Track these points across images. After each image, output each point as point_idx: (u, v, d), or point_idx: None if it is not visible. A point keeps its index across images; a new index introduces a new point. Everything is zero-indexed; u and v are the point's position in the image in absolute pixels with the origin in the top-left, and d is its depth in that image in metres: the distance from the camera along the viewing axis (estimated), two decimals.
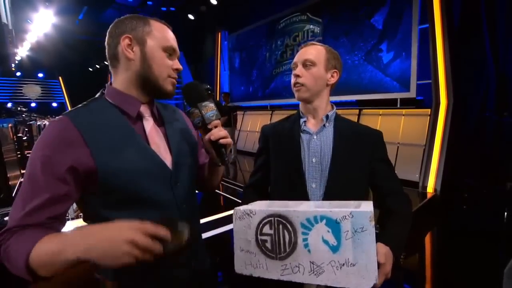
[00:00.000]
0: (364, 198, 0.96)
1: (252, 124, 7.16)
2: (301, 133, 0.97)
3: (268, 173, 1.03)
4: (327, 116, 0.96)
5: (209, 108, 0.77)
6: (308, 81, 0.93)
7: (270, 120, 6.68)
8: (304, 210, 0.61)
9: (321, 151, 0.94)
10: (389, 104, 4.43)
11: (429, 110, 3.89)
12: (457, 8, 3.83)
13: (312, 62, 0.93)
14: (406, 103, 4.27)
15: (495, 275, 1.16)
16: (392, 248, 0.74)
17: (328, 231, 0.59)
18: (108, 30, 0.74)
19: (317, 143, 0.95)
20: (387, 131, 4.27)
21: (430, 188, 3.59)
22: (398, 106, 4.34)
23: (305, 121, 0.99)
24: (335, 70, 0.97)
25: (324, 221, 0.59)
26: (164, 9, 8.32)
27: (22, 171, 2.98)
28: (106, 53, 0.74)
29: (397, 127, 4.17)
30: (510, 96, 3.53)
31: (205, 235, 0.94)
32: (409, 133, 4.02)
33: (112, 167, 0.66)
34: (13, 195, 2.07)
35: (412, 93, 4.17)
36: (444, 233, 2.88)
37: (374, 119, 4.46)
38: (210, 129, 0.77)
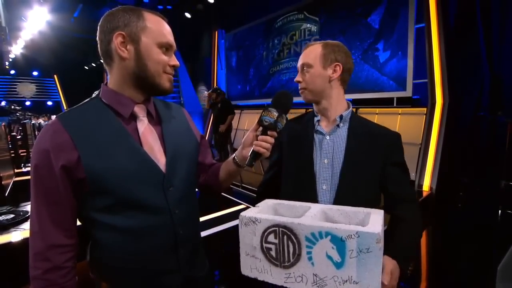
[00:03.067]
0: (377, 202, 0.92)
1: (249, 123, 7.15)
2: (314, 133, 0.95)
3: (280, 171, 1.00)
4: (341, 117, 0.93)
5: (283, 121, 0.81)
6: (307, 84, 0.93)
7: None
8: (309, 224, 0.60)
9: (333, 152, 0.91)
10: (386, 103, 4.45)
11: (425, 109, 3.92)
12: (452, 8, 3.85)
13: (308, 64, 0.93)
14: (402, 102, 4.28)
15: (490, 271, 1.16)
16: (400, 261, 0.72)
17: (333, 248, 0.58)
18: (99, 24, 0.69)
19: (329, 144, 0.92)
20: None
21: (426, 187, 3.62)
22: (395, 105, 4.35)
23: (318, 121, 0.96)
24: (337, 63, 0.92)
25: (329, 237, 0.58)
26: (160, 7, 8.26)
27: (16, 170, 2.94)
28: (99, 49, 0.71)
29: (393, 126, 4.18)
30: (504, 96, 3.56)
31: (202, 234, 0.93)
32: (405, 132, 4.02)
33: (100, 170, 0.64)
34: (6, 194, 2.04)
35: (408, 92, 4.19)
36: (440, 231, 2.90)
37: (370, 118, 4.41)
38: (266, 134, 0.78)
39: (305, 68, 0.93)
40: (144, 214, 0.69)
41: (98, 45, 0.71)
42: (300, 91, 0.97)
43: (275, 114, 0.79)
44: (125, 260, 0.70)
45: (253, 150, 0.78)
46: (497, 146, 3.47)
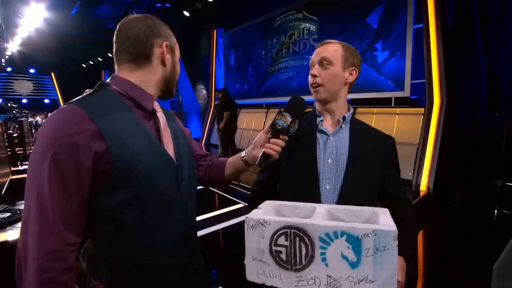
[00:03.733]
0: (376, 202, 0.95)
1: (247, 122, 7.15)
2: (317, 133, 0.95)
3: (278, 169, 1.00)
4: (344, 118, 0.94)
5: (295, 126, 0.84)
6: (325, 81, 0.90)
7: (265, 119, 6.67)
8: (323, 224, 0.58)
9: (337, 153, 0.91)
10: (384, 103, 4.46)
11: (423, 109, 3.93)
12: (450, 8, 3.87)
13: (329, 61, 0.90)
14: (400, 102, 4.30)
15: (486, 270, 1.17)
16: (406, 259, 0.74)
17: (348, 247, 0.56)
18: (135, 25, 0.72)
19: (333, 144, 0.92)
20: (382, 129, 4.31)
21: (423, 186, 3.64)
22: (393, 105, 4.37)
23: (321, 121, 0.96)
24: (354, 68, 0.93)
25: (345, 237, 0.57)
26: (159, 5, 8.22)
27: (13, 169, 2.92)
28: (130, 46, 0.71)
29: (391, 126, 4.20)
30: (501, 96, 3.58)
31: (199, 233, 0.94)
32: (403, 132, 4.06)
33: (126, 163, 0.63)
34: (2, 192, 2.02)
35: (406, 92, 4.21)
36: (437, 230, 2.92)
37: (368, 118, 4.49)
38: (278, 137, 0.82)
39: (325, 63, 0.90)
40: (162, 208, 0.70)
41: (131, 42, 0.72)
42: (314, 88, 0.93)
43: (289, 119, 0.82)
44: (142, 257, 0.69)
45: (264, 151, 0.82)
46: (494, 147, 3.50)
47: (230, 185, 4.13)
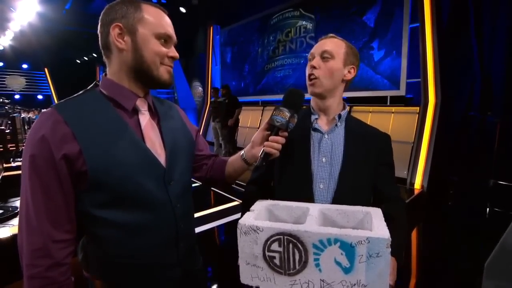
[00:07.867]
0: (370, 200, 0.94)
1: (243, 120, 7.12)
2: (312, 131, 0.93)
3: (272, 168, 0.98)
4: (339, 116, 0.92)
5: (294, 121, 0.80)
6: (324, 74, 0.88)
7: (261, 116, 6.66)
8: (316, 232, 0.58)
9: (332, 152, 0.90)
10: (379, 101, 4.49)
11: (418, 108, 3.96)
12: (446, 8, 3.89)
13: (331, 54, 0.88)
14: (396, 100, 4.33)
15: (478, 267, 1.19)
16: (396, 257, 0.75)
17: (342, 254, 0.57)
18: (100, 17, 0.69)
19: (328, 143, 0.91)
20: (377, 128, 4.32)
21: (417, 185, 3.67)
22: (388, 103, 4.40)
23: (316, 119, 0.94)
24: (353, 66, 0.92)
25: (338, 244, 0.57)
26: (155, 1, 8.13)
27: (5, 165, 2.88)
28: (99, 42, 0.70)
29: (386, 124, 4.23)
30: (494, 96, 3.63)
31: (196, 230, 0.93)
32: (398, 131, 4.09)
33: (103, 164, 0.63)
34: None
35: (401, 91, 4.23)
36: (430, 228, 2.96)
37: (364, 116, 4.51)
38: (277, 134, 0.78)
39: (326, 56, 0.88)
40: (147, 209, 0.69)
41: (99, 39, 0.70)
42: (311, 80, 0.89)
43: (287, 114, 0.77)
44: (126, 256, 0.69)
45: (263, 150, 0.78)
46: (486, 146, 3.54)
47: None
